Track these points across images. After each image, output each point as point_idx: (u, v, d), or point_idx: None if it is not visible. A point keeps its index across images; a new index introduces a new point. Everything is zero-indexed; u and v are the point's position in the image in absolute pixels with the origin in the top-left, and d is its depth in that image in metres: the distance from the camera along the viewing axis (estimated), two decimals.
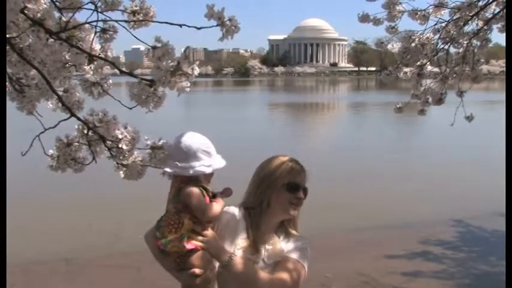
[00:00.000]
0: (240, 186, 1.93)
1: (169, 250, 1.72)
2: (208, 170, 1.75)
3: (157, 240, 1.75)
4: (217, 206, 1.79)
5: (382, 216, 6.99)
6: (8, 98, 1.19)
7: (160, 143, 1.33)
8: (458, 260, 5.37)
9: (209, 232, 1.75)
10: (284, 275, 1.76)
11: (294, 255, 1.81)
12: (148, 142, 1.33)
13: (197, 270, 1.72)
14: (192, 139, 1.74)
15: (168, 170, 1.68)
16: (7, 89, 1.18)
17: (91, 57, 1.13)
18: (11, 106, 1.22)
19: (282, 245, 1.84)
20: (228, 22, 1.15)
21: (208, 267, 1.76)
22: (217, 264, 1.79)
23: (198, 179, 1.76)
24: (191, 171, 1.71)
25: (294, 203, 1.84)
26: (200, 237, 1.72)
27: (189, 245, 1.71)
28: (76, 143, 1.21)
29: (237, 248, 1.84)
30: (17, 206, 5.91)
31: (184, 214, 1.73)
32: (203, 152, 1.74)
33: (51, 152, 1.22)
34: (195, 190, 1.73)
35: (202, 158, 1.73)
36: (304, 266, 1.82)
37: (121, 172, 1.22)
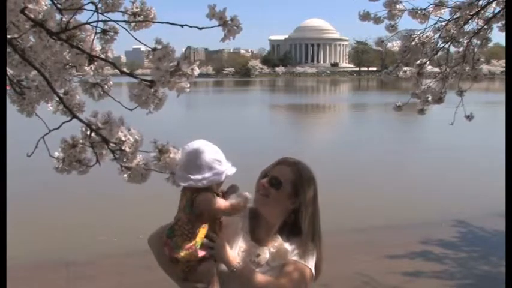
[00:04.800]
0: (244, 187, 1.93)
1: (183, 258, 1.71)
2: (221, 179, 1.73)
3: (171, 249, 1.74)
4: (224, 202, 1.77)
5: (382, 216, 6.99)
6: (8, 100, 1.19)
7: (167, 147, 1.32)
8: (459, 260, 5.36)
9: (218, 239, 1.75)
10: (287, 279, 1.76)
11: (297, 257, 1.81)
12: (156, 145, 1.32)
13: (200, 285, 1.73)
14: (204, 149, 1.72)
15: (182, 183, 1.67)
16: (7, 91, 1.18)
17: (91, 58, 1.13)
18: (11, 107, 1.22)
19: (286, 246, 1.83)
20: (229, 22, 1.15)
21: (213, 279, 1.76)
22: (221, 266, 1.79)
23: (210, 187, 1.74)
24: (205, 182, 1.69)
25: (257, 188, 1.87)
26: (210, 244, 1.72)
27: (201, 252, 1.71)
28: (81, 145, 1.20)
29: (241, 250, 1.84)
30: (17, 207, 5.92)
31: (197, 223, 1.72)
32: (215, 161, 1.72)
33: (56, 154, 1.21)
34: (209, 195, 1.72)
35: (214, 167, 1.71)
36: (309, 266, 1.81)
37: (125, 175, 1.21)
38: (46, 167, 1.23)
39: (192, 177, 1.67)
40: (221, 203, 1.74)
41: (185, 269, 1.73)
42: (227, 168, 1.75)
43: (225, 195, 1.80)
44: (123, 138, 1.14)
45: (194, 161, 1.68)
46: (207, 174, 1.69)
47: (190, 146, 1.72)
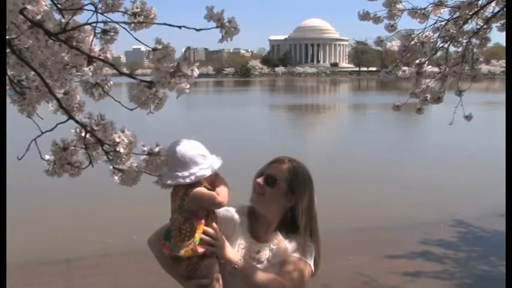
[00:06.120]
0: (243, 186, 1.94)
1: (183, 255, 1.72)
2: (208, 172, 1.76)
3: (170, 250, 1.75)
4: (223, 190, 1.79)
5: (382, 216, 6.99)
6: (8, 100, 1.19)
7: (157, 149, 1.32)
8: (459, 260, 5.36)
9: (219, 236, 1.76)
10: (288, 276, 1.78)
11: (298, 254, 1.83)
12: (145, 148, 1.32)
13: (205, 281, 1.74)
14: (187, 146, 1.75)
15: (170, 182, 1.69)
16: (7, 90, 1.18)
17: (90, 59, 1.13)
18: (12, 108, 1.22)
19: (286, 243, 1.85)
20: (227, 24, 1.14)
21: (216, 276, 1.77)
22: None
23: (199, 182, 1.76)
24: (193, 178, 1.71)
25: (254, 187, 1.89)
26: (211, 241, 1.73)
27: (201, 249, 1.72)
28: (72, 147, 1.19)
29: (241, 247, 1.85)
30: (16, 207, 5.92)
31: (194, 221, 1.74)
32: (200, 156, 1.75)
33: (47, 157, 1.21)
34: (200, 189, 1.74)
35: (200, 162, 1.74)
36: (309, 263, 1.83)
37: (116, 177, 1.21)
38: (43, 167, 1.23)
39: (180, 174, 1.70)
40: (214, 194, 1.76)
41: (187, 267, 1.74)
42: (213, 162, 1.78)
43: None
44: (117, 140, 1.14)
45: (179, 158, 1.71)
46: (193, 170, 1.72)
47: (173, 144, 1.75)
